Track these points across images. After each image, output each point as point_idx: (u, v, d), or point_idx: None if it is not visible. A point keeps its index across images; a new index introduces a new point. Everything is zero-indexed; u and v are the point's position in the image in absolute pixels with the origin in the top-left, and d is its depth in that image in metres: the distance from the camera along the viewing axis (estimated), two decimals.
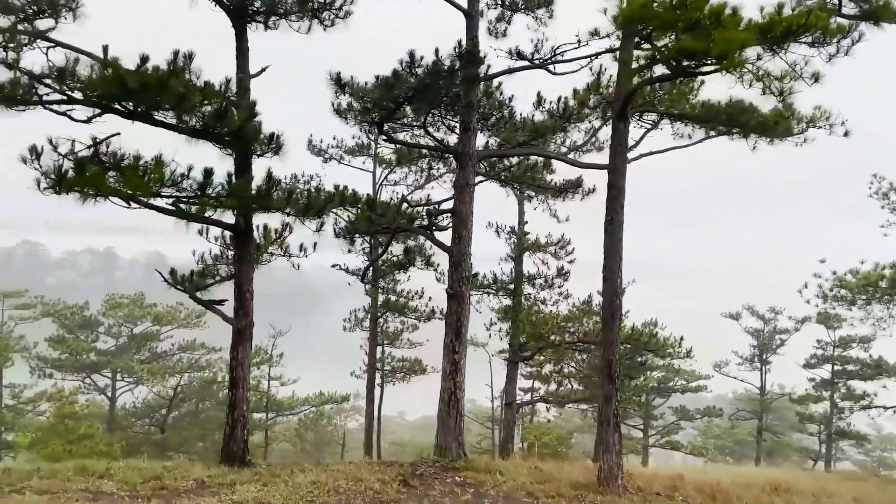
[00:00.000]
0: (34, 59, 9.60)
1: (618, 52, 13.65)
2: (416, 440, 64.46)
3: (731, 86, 11.05)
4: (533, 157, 18.63)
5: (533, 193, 24.09)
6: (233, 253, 12.18)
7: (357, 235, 15.88)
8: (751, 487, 14.72)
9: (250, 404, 38.44)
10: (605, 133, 17.65)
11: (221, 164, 10.64)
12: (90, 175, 8.06)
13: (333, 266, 23.85)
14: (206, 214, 10.02)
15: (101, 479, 8.94)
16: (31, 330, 40.51)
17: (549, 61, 13.42)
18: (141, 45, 9.51)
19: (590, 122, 16.73)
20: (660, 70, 11.02)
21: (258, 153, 10.32)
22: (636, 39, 11.15)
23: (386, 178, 27.45)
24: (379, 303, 26.84)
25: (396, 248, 25.50)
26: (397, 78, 10.82)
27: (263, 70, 11.56)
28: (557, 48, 13.22)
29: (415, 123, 15.30)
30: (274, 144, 10.31)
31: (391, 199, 15.30)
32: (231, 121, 9.43)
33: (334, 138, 28.04)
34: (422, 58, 11.08)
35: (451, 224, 15.83)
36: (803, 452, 48.05)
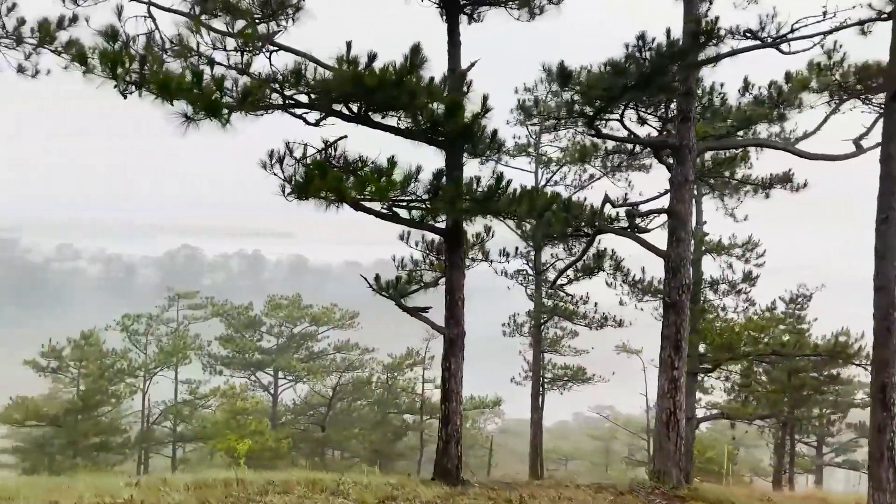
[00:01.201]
0: (257, 63, 9.48)
1: (866, 25, 11.87)
2: (559, 447, 63.15)
3: None
4: (730, 149, 16.91)
5: (707, 190, 22.16)
6: (443, 258, 11.62)
7: (548, 239, 14.98)
8: None
9: (403, 407, 38.76)
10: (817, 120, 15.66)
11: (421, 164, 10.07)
12: (331, 180, 7.65)
13: (518, 272, 23.19)
14: (438, 220, 9.45)
15: (334, 496, 8.56)
16: (199, 329, 43.15)
17: (782, 39, 11.79)
18: (337, 43, 9.11)
19: (811, 107, 14.79)
20: None
21: (480, 153, 9.62)
22: None
23: (551, 178, 26.44)
24: (543, 308, 25.80)
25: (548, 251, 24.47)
26: (630, 62, 9.75)
27: (473, 65, 10.87)
28: (795, 23, 11.57)
29: (609, 117, 14.17)
30: (495, 143, 9.58)
31: (586, 200, 14.22)
32: (461, 118, 8.77)
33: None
34: (653, 39, 9.94)
35: (650, 226, 14.54)
36: None
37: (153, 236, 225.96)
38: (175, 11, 8.85)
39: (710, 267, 24.04)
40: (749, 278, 23.18)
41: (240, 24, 9.29)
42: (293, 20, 9.47)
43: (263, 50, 9.36)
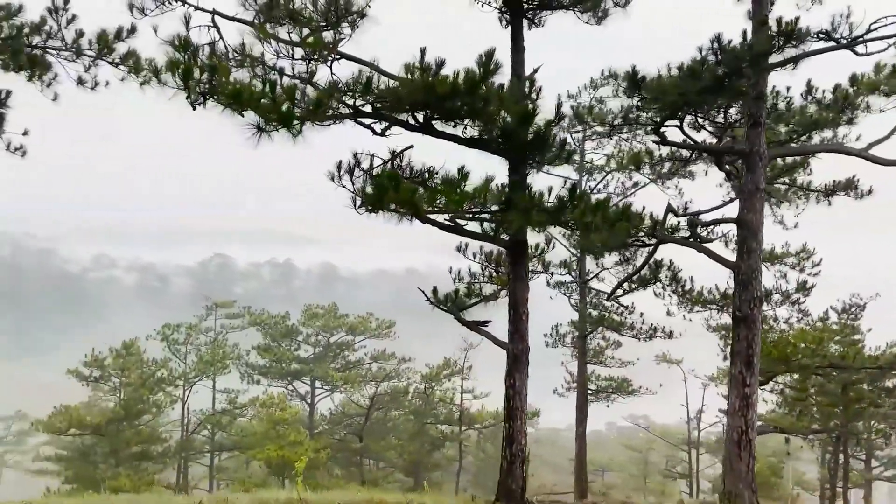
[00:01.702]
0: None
1: None
2: (595, 458, 62.12)
3: None
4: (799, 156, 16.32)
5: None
6: (503, 270, 11.29)
7: (607, 250, 14.54)
8: None
9: (441, 417, 38.33)
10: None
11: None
12: (405, 192, 7.35)
13: (563, 283, 22.72)
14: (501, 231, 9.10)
15: None
16: (236, 338, 43.24)
17: (857, 40, 11.24)
18: (392, 50, 8.87)
19: (882, 111, 14.17)
20: None
21: (548, 162, 9.26)
22: None
23: (595, 186, 25.92)
24: (589, 318, 25.24)
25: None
26: (704, 66, 9.32)
27: (537, 70, 10.53)
28: (873, 23, 11.02)
29: (669, 123, 13.71)
30: (564, 152, 9.22)
31: (644, 209, 13.73)
32: (531, 126, 8.43)
33: None
34: (730, 42, 9.49)
35: (709, 236, 14.04)
36: None
37: (184, 244, 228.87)
38: (239, 20, 8.67)
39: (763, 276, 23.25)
40: (804, 288, 22.36)
41: (303, 32, 9.07)
42: (356, 27, 9.21)
43: (328, 59, 9.13)
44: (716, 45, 9.42)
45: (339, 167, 8.03)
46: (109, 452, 32.45)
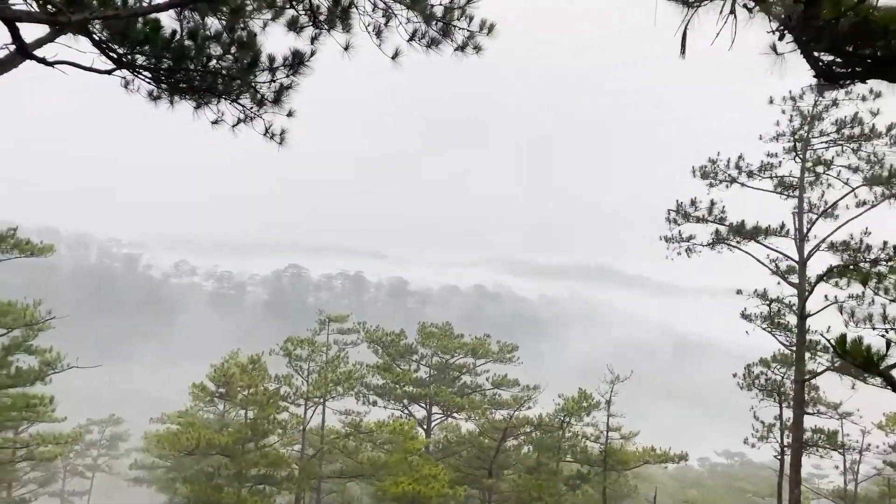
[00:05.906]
0: None
1: None
2: (693, 497, 57.89)
3: None
4: None
5: None
6: None
7: None
8: None
9: (578, 455, 34.57)
10: None
11: None
12: None
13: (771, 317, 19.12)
14: None
15: None
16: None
17: None
18: None
19: None
20: None
21: None
22: None
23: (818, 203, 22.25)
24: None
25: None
26: None
27: None
28: None
29: None
30: None
31: None
32: None
33: (741, 158, 23.68)
34: None
35: None
36: None
37: (261, 254, 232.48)
38: None
39: None
40: None
41: None
42: None
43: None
44: None
45: None
46: (234, 475, 30.24)
